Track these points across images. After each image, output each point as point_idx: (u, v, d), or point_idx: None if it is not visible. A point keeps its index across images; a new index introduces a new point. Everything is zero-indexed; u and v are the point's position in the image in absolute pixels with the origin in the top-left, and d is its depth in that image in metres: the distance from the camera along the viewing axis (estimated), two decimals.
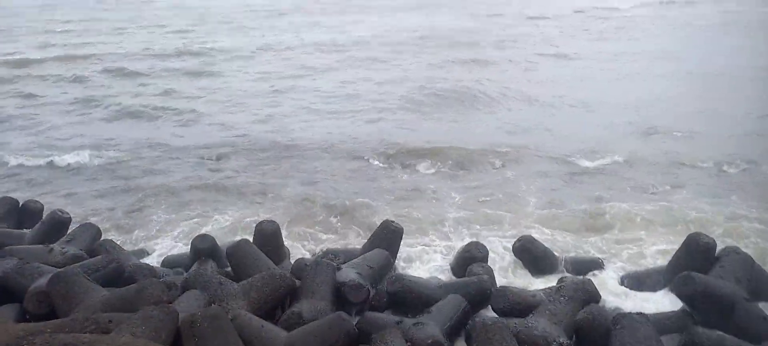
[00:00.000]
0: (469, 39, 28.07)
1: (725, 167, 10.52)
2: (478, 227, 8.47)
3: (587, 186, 10.04)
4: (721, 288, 5.50)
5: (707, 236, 6.21)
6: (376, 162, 11.57)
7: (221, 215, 9.10)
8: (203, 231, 7.84)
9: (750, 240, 7.59)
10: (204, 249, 6.63)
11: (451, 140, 12.57)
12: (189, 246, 7.04)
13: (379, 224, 7.20)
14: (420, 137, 12.94)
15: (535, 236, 7.44)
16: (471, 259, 6.69)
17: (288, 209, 9.30)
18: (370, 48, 26.11)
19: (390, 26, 33.78)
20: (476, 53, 23.89)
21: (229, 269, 6.27)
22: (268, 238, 6.78)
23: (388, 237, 6.91)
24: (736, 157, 10.85)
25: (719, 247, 6.17)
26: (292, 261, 6.76)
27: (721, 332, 5.02)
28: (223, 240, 7.51)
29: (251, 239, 6.69)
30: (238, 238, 7.24)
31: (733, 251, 5.91)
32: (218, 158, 11.97)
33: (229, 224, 8.74)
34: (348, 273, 5.91)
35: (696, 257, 6.01)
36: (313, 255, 7.38)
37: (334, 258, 6.67)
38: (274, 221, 7.03)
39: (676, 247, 6.46)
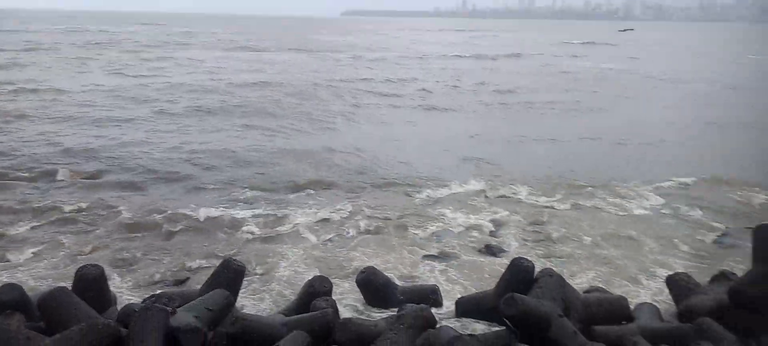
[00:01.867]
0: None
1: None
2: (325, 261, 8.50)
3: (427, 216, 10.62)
4: (539, 307, 6.06)
5: (527, 259, 6.84)
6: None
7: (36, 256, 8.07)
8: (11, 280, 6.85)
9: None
10: (9, 301, 5.77)
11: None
12: None
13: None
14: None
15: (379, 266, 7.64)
16: (315, 293, 6.64)
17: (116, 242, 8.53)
18: None
19: None
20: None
21: (43, 322, 5.52)
22: (90, 284, 6.12)
23: (229, 276, 6.60)
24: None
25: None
26: (120, 308, 6.17)
27: None
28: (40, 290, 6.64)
29: (71, 287, 5.99)
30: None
31: (547, 274, 6.57)
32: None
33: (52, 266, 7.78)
34: (183, 317, 5.53)
35: (518, 280, 6.58)
36: (144, 300, 6.80)
37: (168, 302, 6.20)
38: (98, 265, 6.38)
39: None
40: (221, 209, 10.65)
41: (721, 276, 7.19)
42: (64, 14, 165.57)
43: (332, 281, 7.00)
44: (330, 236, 9.54)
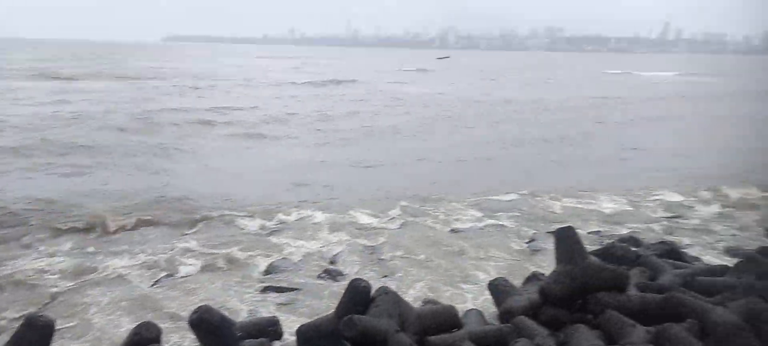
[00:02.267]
0: None
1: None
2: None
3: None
4: (377, 325, 6.21)
5: (364, 280, 6.98)
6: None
7: None
8: None
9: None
10: None
11: None
12: None
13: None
14: None
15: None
16: (141, 342, 6.07)
17: None
18: None
19: None
20: None
21: None
22: None
23: (33, 337, 5.75)
24: None
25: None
26: None
27: None
28: None
29: None
30: None
31: (383, 292, 6.77)
32: None
33: None
34: None
35: (356, 301, 6.68)
36: None
37: None
38: None
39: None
40: (20, 259, 9.28)
41: (533, 277, 8.07)
42: None
43: (161, 325, 6.47)
44: (157, 278, 8.83)
